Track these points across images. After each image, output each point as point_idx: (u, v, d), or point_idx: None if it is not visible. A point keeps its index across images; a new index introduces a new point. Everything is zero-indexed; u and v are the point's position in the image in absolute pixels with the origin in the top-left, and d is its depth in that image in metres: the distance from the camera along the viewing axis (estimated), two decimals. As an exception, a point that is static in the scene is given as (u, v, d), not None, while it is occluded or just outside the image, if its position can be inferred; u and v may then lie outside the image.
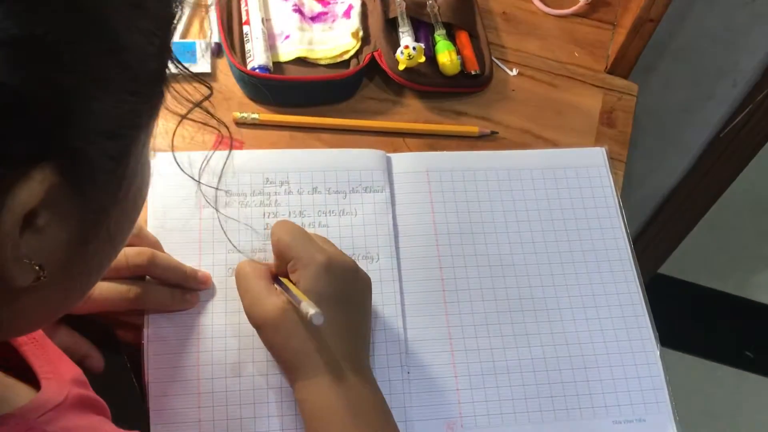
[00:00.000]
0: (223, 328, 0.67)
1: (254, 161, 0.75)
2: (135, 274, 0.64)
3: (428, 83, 0.84)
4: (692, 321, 1.87)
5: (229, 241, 0.70)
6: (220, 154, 0.75)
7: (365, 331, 0.65)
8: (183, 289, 0.67)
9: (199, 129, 0.77)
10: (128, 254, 0.63)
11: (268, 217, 0.73)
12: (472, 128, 0.82)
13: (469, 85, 0.85)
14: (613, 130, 0.85)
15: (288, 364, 0.62)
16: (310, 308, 0.57)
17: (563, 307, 0.72)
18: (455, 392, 0.68)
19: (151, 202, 0.71)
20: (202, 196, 0.72)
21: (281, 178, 0.75)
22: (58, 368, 0.50)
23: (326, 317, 0.58)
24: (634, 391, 0.69)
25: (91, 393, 0.52)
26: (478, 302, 0.71)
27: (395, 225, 0.74)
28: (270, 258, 0.70)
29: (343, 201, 0.74)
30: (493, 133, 0.83)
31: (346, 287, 0.62)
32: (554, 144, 0.83)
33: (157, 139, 0.77)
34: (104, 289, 0.62)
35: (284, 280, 0.62)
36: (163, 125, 0.78)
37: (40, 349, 0.51)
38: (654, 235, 1.53)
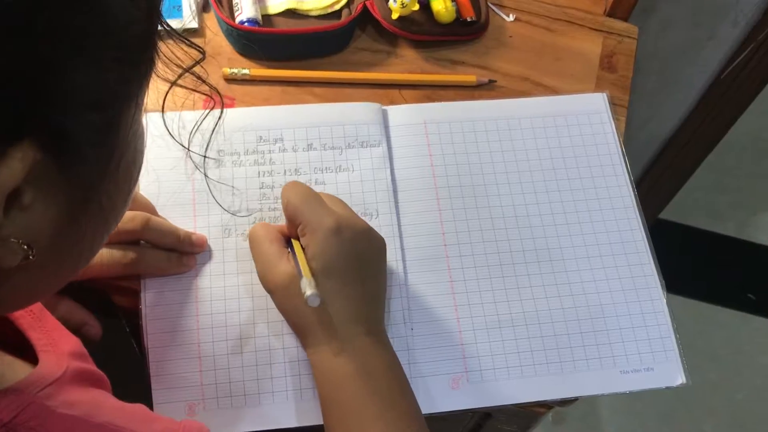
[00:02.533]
0: (221, 291, 0.66)
1: (246, 119, 0.73)
2: (129, 239, 0.63)
3: (423, 32, 0.81)
4: (694, 265, 1.87)
5: (220, 206, 0.68)
6: (212, 115, 0.73)
7: (379, 294, 0.63)
8: (179, 253, 0.66)
9: (192, 88, 0.75)
10: (124, 218, 0.62)
11: (264, 176, 0.71)
12: (470, 77, 0.80)
13: (465, 32, 0.83)
14: (613, 75, 0.83)
15: (300, 329, 0.62)
16: (307, 288, 0.56)
17: (567, 258, 0.71)
18: (460, 347, 0.67)
19: (143, 164, 0.69)
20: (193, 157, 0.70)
21: (275, 136, 0.73)
22: (56, 341, 0.49)
23: (332, 286, 0.58)
24: (642, 340, 0.68)
25: (90, 366, 0.50)
26: (480, 256, 0.70)
27: (393, 180, 0.72)
28: (267, 219, 0.69)
29: (339, 157, 0.72)
30: (491, 81, 0.81)
31: (357, 250, 0.61)
32: (554, 91, 0.81)
33: (148, 99, 0.75)
34: (99, 254, 0.61)
35: (295, 244, 0.61)
36: (153, 86, 0.76)
37: (37, 322, 0.50)
38: (655, 181, 1.51)
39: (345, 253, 0.60)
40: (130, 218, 0.62)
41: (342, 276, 0.59)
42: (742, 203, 1.95)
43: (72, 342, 0.51)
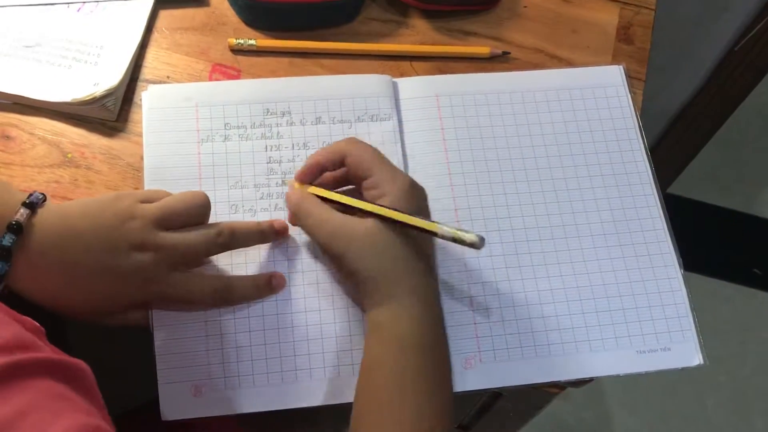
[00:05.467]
0: (228, 269, 0.65)
1: (253, 91, 0.71)
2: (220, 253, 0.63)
3: (435, 2, 0.79)
4: (700, 239, 1.86)
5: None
6: (216, 85, 0.72)
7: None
8: (267, 276, 0.64)
9: (194, 60, 0.73)
10: (210, 236, 0.60)
11: (271, 150, 0.69)
12: (483, 49, 0.78)
13: (479, 2, 0.80)
14: (630, 47, 0.81)
15: (372, 287, 0.58)
16: (466, 234, 0.56)
17: (583, 235, 0.69)
18: (473, 326, 0.65)
19: (146, 137, 0.68)
20: (198, 129, 0.68)
21: (282, 109, 0.71)
22: None
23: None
24: (658, 319, 0.67)
25: (27, 355, 0.43)
26: (494, 232, 0.68)
27: (404, 155, 0.70)
28: (275, 195, 0.67)
29: (348, 131, 0.70)
30: (504, 53, 0.78)
31: (421, 206, 0.62)
32: (569, 63, 0.79)
33: (150, 71, 0.74)
34: (192, 285, 0.61)
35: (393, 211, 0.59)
36: (156, 56, 0.74)
37: None
38: (664, 155, 1.50)
39: (418, 208, 0.60)
40: (217, 234, 0.60)
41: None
42: (750, 178, 1.93)
43: (8, 333, 0.44)
